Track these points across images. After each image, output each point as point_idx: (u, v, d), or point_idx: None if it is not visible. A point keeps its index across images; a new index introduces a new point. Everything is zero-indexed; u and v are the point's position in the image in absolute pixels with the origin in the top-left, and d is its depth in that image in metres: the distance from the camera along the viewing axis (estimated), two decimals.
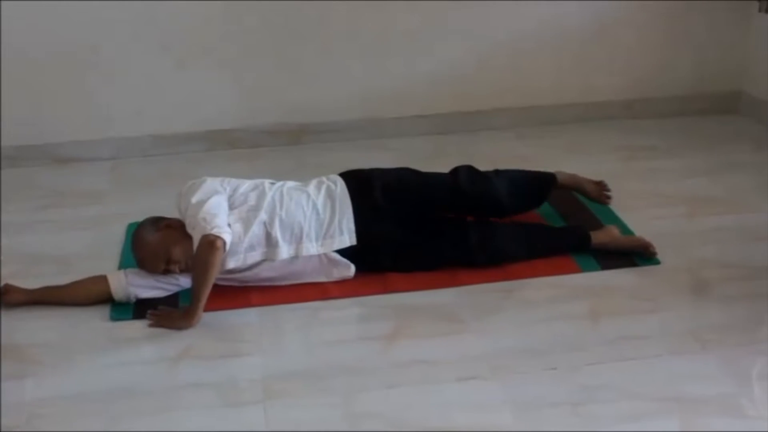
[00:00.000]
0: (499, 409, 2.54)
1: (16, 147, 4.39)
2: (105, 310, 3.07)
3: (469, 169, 3.41)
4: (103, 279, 3.08)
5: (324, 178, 3.29)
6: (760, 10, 4.45)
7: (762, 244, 3.40)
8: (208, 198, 3.03)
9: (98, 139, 4.49)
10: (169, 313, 3.02)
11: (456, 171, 3.40)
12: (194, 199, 3.03)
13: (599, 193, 3.69)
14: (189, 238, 2.99)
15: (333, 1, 4.36)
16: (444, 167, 3.67)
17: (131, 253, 3.12)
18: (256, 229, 3.06)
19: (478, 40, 4.57)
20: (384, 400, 2.58)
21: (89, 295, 3.08)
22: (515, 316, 3.00)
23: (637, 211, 3.66)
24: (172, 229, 3.07)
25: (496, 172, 3.46)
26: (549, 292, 3.12)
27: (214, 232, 2.91)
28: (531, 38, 4.62)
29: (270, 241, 3.08)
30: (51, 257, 3.49)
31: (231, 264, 3.05)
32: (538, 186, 3.55)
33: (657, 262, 3.26)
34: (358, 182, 3.25)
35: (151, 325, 2.98)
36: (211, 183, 3.13)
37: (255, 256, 3.08)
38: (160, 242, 3.04)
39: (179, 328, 2.95)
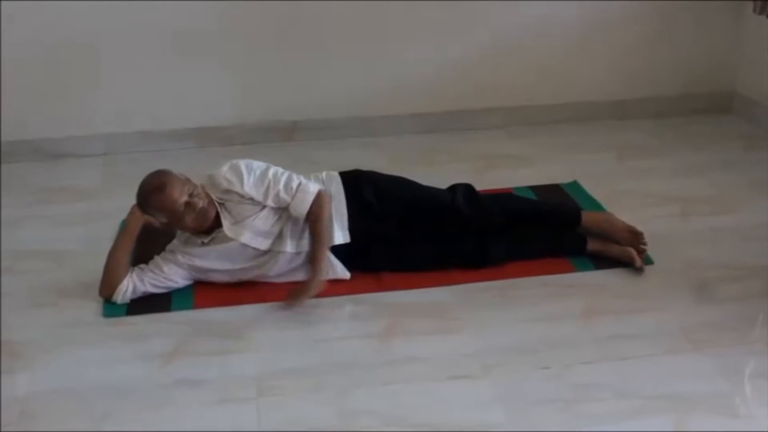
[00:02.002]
0: (492, 407, 2.54)
1: (8, 143, 4.37)
2: (98, 307, 3.06)
3: (467, 190, 3.38)
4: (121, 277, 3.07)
5: (322, 175, 3.29)
6: (754, 11, 4.46)
7: (755, 244, 3.42)
8: (276, 168, 3.15)
9: (90, 135, 4.48)
10: (298, 290, 3.03)
11: (454, 190, 3.37)
12: (267, 170, 3.12)
13: (633, 244, 3.29)
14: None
15: (326, 0, 4.36)
16: (437, 165, 3.69)
17: (145, 192, 3.05)
18: (278, 219, 3.11)
19: (471, 40, 4.57)
20: (377, 398, 2.58)
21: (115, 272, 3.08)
22: (509, 315, 3.00)
23: (629, 210, 3.66)
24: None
25: (506, 199, 3.42)
26: (543, 291, 3.13)
27: (323, 188, 3.13)
28: (524, 38, 4.62)
29: (281, 233, 3.11)
30: (42, 253, 3.48)
31: (247, 239, 3.07)
32: (555, 225, 3.41)
33: (650, 262, 3.27)
34: (353, 181, 3.26)
35: (293, 306, 3.02)
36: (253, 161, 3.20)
37: (265, 244, 3.10)
38: (187, 179, 3.08)
39: (316, 293, 3.01)
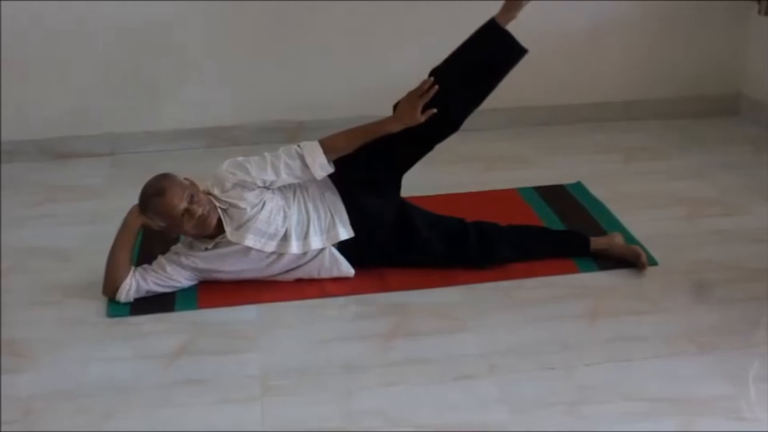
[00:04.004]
0: (496, 408, 2.54)
1: (13, 142, 4.39)
2: (102, 306, 3.07)
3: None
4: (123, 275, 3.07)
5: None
6: (759, 12, 4.46)
7: (760, 246, 3.41)
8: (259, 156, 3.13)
9: (96, 134, 4.49)
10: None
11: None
12: (261, 155, 3.11)
13: None
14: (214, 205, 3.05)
15: (332, 1, 4.36)
16: (438, 165, 3.68)
17: (146, 195, 3.05)
18: (282, 220, 3.10)
19: None
20: (381, 398, 2.58)
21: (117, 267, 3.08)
22: (513, 316, 3.00)
23: (634, 212, 3.67)
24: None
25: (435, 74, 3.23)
26: (547, 292, 3.13)
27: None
28: (527, 38, 4.57)
29: (285, 235, 3.10)
30: (48, 252, 3.49)
31: (251, 242, 3.06)
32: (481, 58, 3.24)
33: (654, 263, 3.26)
34: (343, 165, 3.23)
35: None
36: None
37: (270, 246, 3.09)
38: (191, 183, 3.07)
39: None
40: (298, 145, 3.12)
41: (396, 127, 3.11)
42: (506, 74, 3.26)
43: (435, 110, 3.06)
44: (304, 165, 3.09)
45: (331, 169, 3.13)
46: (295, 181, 3.15)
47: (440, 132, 3.22)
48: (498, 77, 3.26)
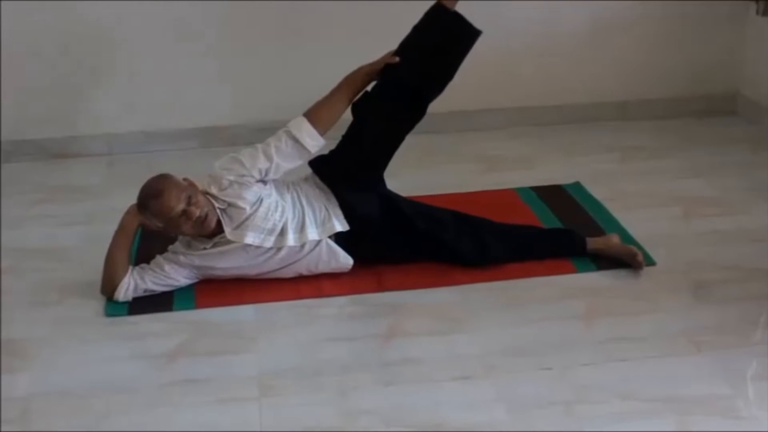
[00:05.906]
0: (493, 408, 2.54)
1: (11, 142, 4.39)
2: (100, 306, 3.07)
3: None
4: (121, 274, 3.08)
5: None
6: (757, 12, 4.46)
7: (757, 246, 3.41)
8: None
9: (94, 135, 4.49)
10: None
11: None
12: (251, 146, 3.15)
13: None
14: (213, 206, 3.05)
15: (330, 1, 4.36)
16: (436, 165, 3.68)
17: (144, 196, 3.05)
18: (279, 216, 3.10)
19: None
20: (378, 398, 2.58)
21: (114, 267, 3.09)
22: (510, 316, 3.00)
23: (633, 212, 3.67)
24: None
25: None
26: (544, 292, 3.12)
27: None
28: (525, 38, 4.62)
29: (282, 230, 3.11)
30: (46, 251, 3.49)
31: (251, 239, 3.06)
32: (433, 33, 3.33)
33: (652, 263, 3.26)
34: (324, 163, 3.27)
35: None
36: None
37: (269, 241, 3.09)
38: (190, 184, 3.07)
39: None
40: (283, 128, 3.15)
41: (366, 68, 3.27)
42: (463, 56, 3.35)
43: (397, 58, 3.24)
44: (294, 140, 3.12)
45: (322, 141, 3.16)
46: (290, 165, 3.16)
47: (409, 118, 3.28)
48: (454, 60, 3.33)
